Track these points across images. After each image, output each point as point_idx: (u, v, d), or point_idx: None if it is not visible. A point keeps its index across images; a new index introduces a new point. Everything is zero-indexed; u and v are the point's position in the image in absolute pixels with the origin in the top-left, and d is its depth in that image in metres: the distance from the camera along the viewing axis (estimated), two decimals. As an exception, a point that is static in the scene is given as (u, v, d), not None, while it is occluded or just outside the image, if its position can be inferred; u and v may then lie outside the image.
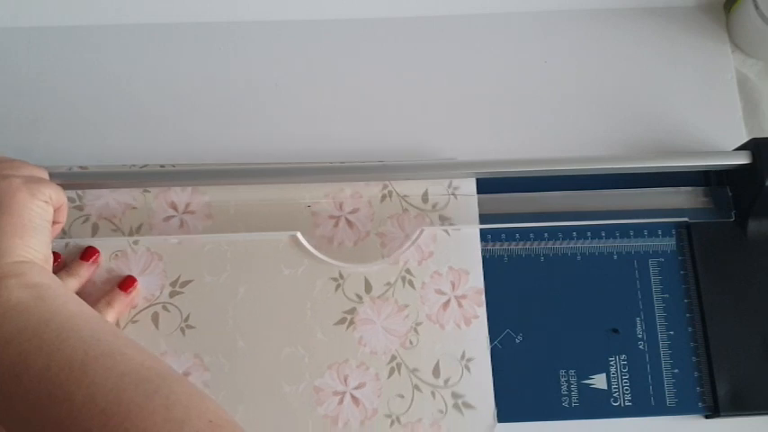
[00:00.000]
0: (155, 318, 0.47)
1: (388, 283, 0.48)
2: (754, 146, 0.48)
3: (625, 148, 0.53)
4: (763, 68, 0.56)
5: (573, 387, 0.46)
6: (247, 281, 0.47)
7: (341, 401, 0.46)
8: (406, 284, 0.48)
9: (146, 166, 0.51)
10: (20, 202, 0.39)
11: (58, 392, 0.31)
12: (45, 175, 0.43)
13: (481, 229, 0.49)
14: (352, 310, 0.47)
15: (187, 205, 0.49)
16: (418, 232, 0.48)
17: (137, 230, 0.48)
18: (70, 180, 0.48)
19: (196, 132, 0.53)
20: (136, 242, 0.48)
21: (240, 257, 0.48)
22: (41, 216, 0.40)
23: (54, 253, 0.47)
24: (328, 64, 0.56)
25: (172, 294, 0.47)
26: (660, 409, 0.46)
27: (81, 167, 0.50)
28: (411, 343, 0.47)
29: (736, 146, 0.50)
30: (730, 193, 0.50)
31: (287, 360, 0.46)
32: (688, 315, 0.47)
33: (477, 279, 0.48)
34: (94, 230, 0.48)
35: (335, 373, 0.46)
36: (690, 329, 0.47)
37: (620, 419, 0.46)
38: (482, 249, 0.49)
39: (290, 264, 0.48)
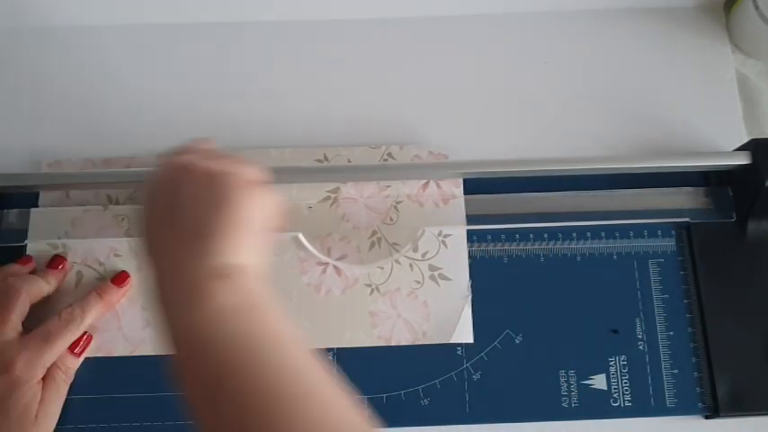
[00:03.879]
0: None
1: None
2: (753, 146, 0.48)
3: (625, 149, 0.53)
4: (763, 68, 0.56)
5: (573, 387, 0.46)
6: None
7: (324, 271, 0.48)
8: None
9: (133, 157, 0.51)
10: (241, 198, 0.35)
11: (249, 422, 0.29)
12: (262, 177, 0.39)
13: (481, 230, 0.49)
14: (336, 190, 0.50)
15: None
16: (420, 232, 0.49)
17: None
18: (64, 180, 0.48)
19: (197, 132, 0.53)
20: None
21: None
22: (260, 219, 0.36)
23: (58, 256, 0.48)
24: (328, 64, 0.56)
25: None
26: (660, 410, 0.46)
27: (87, 160, 0.51)
28: (391, 219, 0.49)
29: (737, 146, 0.50)
30: (730, 194, 0.50)
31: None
32: (688, 315, 0.47)
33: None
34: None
35: (319, 246, 0.48)
36: (690, 330, 0.47)
37: (619, 420, 0.46)
38: (482, 250, 0.49)
39: None
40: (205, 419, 0.30)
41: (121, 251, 0.49)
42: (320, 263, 0.48)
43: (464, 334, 0.47)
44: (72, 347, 0.44)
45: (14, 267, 0.47)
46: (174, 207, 0.34)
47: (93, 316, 0.45)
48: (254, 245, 0.35)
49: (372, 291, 0.48)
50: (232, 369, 0.30)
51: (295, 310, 0.47)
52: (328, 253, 0.49)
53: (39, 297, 0.45)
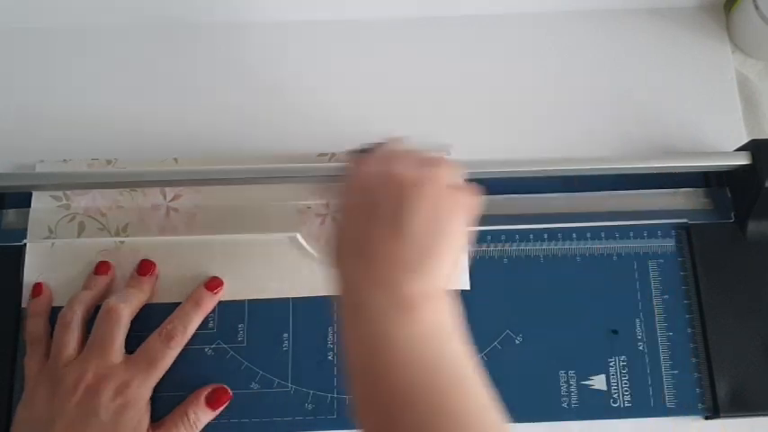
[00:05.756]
0: None
1: None
2: (753, 147, 0.48)
3: (625, 149, 0.53)
4: (763, 68, 0.56)
5: (572, 388, 0.46)
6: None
7: (323, 222, 0.49)
8: None
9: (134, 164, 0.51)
10: (463, 221, 0.37)
11: None
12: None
13: (481, 231, 0.49)
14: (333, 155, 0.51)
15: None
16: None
17: (123, 229, 0.49)
18: (62, 180, 0.48)
19: (198, 131, 0.53)
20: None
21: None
22: (464, 237, 0.38)
23: (146, 261, 0.48)
24: (328, 64, 0.56)
25: None
26: (660, 410, 0.46)
27: (93, 159, 0.51)
28: None
29: (736, 146, 0.50)
30: (730, 195, 0.50)
31: (274, 185, 0.49)
32: (688, 316, 0.47)
33: None
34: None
35: (318, 198, 0.49)
36: (689, 330, 0.47)
37: (619, 420, 0.46)
38: (482, 251, 0.49)
39: None
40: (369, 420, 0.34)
41: (124, 203, 0.49)
42: (318, 214, 0.49)
43: (460, 281, 0.47)
44: (210, 401, 0.44)
45: (99, 280, 0.47)
46: (398, 218, 0.36)
47: (194, 327, 0.45)
48: (453, 265, 0.37)
49: None
50: (420, 387, 0.33)
51: (295, 260, 0.48)
52: (327, 206, 0.49)
53: (138, 310, 0.46)
